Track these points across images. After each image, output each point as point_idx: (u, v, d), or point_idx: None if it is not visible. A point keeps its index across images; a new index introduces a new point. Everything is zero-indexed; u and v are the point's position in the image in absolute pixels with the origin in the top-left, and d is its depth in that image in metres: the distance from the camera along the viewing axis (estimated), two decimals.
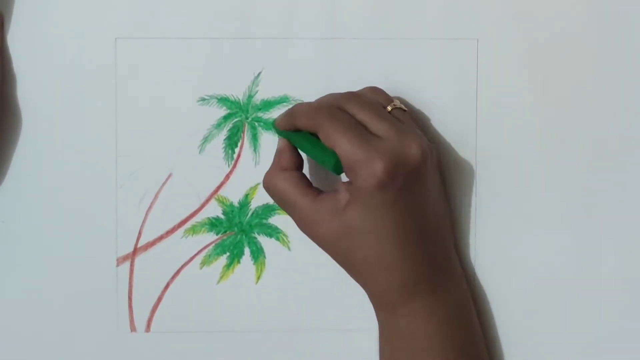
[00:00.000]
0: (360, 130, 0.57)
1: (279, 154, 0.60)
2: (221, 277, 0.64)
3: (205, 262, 0.64)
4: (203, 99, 0.64)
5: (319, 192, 0.59)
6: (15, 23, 0.63)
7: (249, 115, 0.64)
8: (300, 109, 0.60)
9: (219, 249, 0.64)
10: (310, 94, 0.63)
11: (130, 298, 0.64)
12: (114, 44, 0.63)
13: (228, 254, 0.64)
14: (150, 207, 0.64)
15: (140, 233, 0.64)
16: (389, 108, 0.60)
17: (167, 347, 0.64)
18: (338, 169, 0.57)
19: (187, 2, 0.63)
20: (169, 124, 0.63)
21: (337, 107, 0.59)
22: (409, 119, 0.60)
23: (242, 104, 0.64)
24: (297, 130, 0.60)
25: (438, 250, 0.59)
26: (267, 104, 0.64)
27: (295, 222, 0.59)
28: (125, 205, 0.64)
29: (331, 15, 0.63)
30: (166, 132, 0.63)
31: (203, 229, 0.64)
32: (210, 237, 0.64)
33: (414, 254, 0.57)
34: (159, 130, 0.63)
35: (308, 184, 0.59)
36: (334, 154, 0.57)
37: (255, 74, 0.63)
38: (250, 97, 0.64)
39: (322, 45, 0.63)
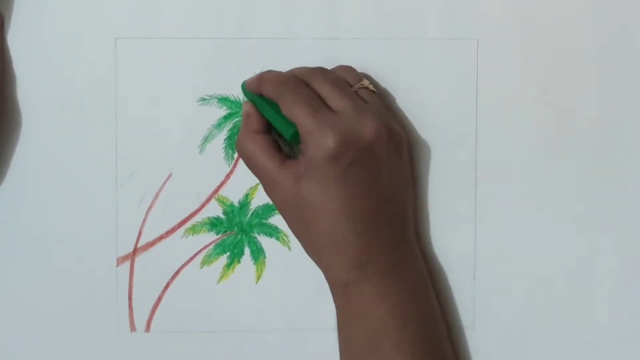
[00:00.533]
0: (318, 104, 0.58)
1: (247, 116, 0.61)
2: (221, 277, 0.64)
3: (206, 262, 0.64)
4: (203, 99, 0.64)
5: (286, 157, 0.59)
6: (15, 23, 0.63)
7: None
8: (268, 76, 0.61)
9: (219, 248, 0.64)
10: None
11: (130, 298, 0.64)
12: (114, 44, 0.63)
13: (228, 253, 0.64)
14: (150, 207, 0.64)
15: (140, 233, 0.64)
16: (357, 87, 0.60)
17: (167, 347, 0.64)
18: (296, 139, 0.58)
19: (187, 2, 0.63)
20: (169, 124, 0.63)
21: (302, 80, 0.60)
22: (375, 100, 0.61)
23: (242, 104, 0.64)
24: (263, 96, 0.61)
25: (393, 232, 0.59)
26: None
27: (262, 185, 0.60)
28: (125, 205, 0.64)
29: (331, 15, 0.63)
30: (166, 132, 0.63)
31: (203, 228, 0.64)
32: (211, 237, 0.64)
33: (363, 231, 0.57)
34: (159, 130, 0.63)
35: (277, 148, 0.60)
36: (293, 124, 0.58)
37: (255, 74, 0.63)
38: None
39: (322, 45, 0.63)
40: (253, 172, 0.60)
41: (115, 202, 0.64)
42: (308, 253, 0.60)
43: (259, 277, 0.64)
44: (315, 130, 0.57)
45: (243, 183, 0.64)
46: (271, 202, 0.63)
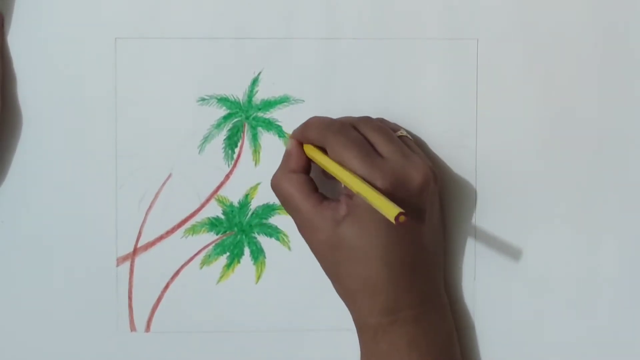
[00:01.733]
0: (367, 148, 0.57)
1: (288, 155, 0.60)
2: (221, 277, 0.64)
3: (205, 262, 0.64)
4: (203, 99, 0.64)
5: (323, 198, 0.59)
6: (15, 23, 0.63)
7: (249, 115, 0.64)
8: (313, 121, 0.60)
9: (219, 248, 0.64)
10: (310, 94, 0.63)
11: (130, 298, 0.64)
12: (114, 44, 0.63)
13: (228, 253, 0.64)
14: (150, 207, 0.64)
15: (140, 233, 0.64)
16: (397, 134, 0.60)
17: (167, 347, 0.64)
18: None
19: (187, 2, 0.63)
20: (169, 124, 0.63)
21: (348, 124, 0.59)
22: (415, 147, 0.61)
23: (242, 104, 0.64)
24: (309, 143, 0.60)
25: (427, 280, 0.59)
26: (267, 104, 0.64)
27: (297, 225, 0.59)
28: (125, 205, 0.64)
29: (331, 15, 0.63)
30: (166, 132, 0.63)
31: (203, 228, 0.64)
32: (210, 237, 0.64)
33: (400, 279, 0.57)
34: (159, 130, 0.63)
35: (314, 188, 0.59)
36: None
37: (255, 74, 0.63)
38: (250, 97, 0.64)
39: (322, 45, 0.63)
40: (287, 211, 0.60)
41: (115, 202, 0.64)
42: (340, 295, 0.59)
43: (258, 277, 0.64)
44: (364, 174, 0.56)
45: (243, 183, 0.64)
46: (271, 202, 0.63)
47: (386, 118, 0.63)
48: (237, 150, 0.64)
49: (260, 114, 0.64)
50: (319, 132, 0.59)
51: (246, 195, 0.64)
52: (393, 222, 0.52)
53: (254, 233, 0.64)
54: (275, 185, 0.60)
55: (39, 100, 0.63)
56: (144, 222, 0.64)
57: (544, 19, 0.63)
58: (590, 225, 0.64)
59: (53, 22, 0.63)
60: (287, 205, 0.59)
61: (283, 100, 0.64)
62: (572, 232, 0.64)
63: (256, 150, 0.64)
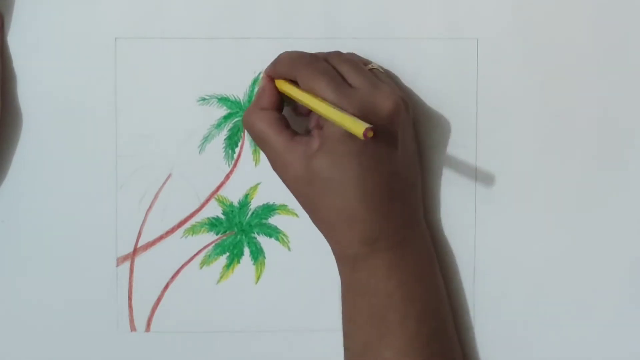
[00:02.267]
0: (337, 79, 0.58)
1: (261, 92, 0.60)
2: (221, 277, 0.64)
3: (205, 262, 0.64)
4: (203, 99, 0.64)
5: (295, 134, 0.59)
6: (15, 23, 0.63)
7: None
8: (284, 55, 0.61)
9: (219, 249, 0.64)
10: None
11: (130, 298, 0.64)
12: (114, 44, 0.63)
13: (228, 254, 0.64)
14: (150, 207, 0.64)
15: (140, 233, 0.64)
16: (368, 67, 0.61)
17: (167, 347, 0.64)
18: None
19: (187, 2, 0.63)
20: (169, 124, 0.63)
21: (319, 57, 0.60)
22: (386, 78, 0.61)
23: (242, 104, 0.64)
24: (282, 78, 0.60)
25: (404, 208, 0.59)
26: None
27: (269, 161, 0.60)
28: (125, 205, 0.64)
29: (331, 15, 0.63)
30: (166, 132, 0.63)
31: (203, 229, 0.64)
32: (210, 237, 0.64)
33: (377, 208, 0.57)
34: (159, 130, 0.63)
35: (286, 124, 0.59)
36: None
37: (255, 74, 0.63)
38: (250, 97, 0.64)
39: (322, 45, 0.63)
40: (260, 148, 0.60)
41: (115, 202, 0.64)
42: (318, 227, 0.59)
43: (258, 277, 0.64)
44: (335, 102, 0.56)
45: (243, 183, 0.64)
46: (271, 202, 0.63)
47: None
48: (237, 150, 0.64)
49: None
50: (290, 64, 0.59)
51: (246, 195, 0.64)
52: (361, 138, 0.52)
53: (253, 233, 0.64)
54: (247, 122, 0.60)
55: (39, 100, 0.63)
56: (144, 222, 0.64)
57: (544, 19, 0.63)
58: (590, 226, 0.64)
59: (53, 22, 0.63)
60: (260, 141, 0.59)
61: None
62: (572, 232, 0.64)
63: (256, 150, 0.64)
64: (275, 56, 0.62)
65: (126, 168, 0.63)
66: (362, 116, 0.55)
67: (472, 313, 0.64)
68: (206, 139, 0.64)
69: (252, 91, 0.63)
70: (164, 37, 0.63)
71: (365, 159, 0.57)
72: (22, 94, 0.63)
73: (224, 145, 0.64)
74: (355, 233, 0.58)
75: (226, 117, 0.64)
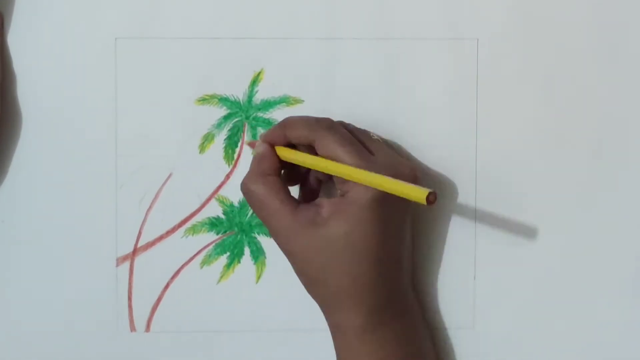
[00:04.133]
0: (358, 145, 0.57)
1: (261, 157, 0.59)
2: (221, 277, 0.64)
3: (206, 262, 0.64)
4: (203, 99, 0.64)
5: (298, 202, 0.58)
6: (15, 23, 0.63)
7: (249, 115, 0.64)
8: (295, 120, 0.59)
9: (219, 248, 0.64)
10: (310, 94, 0.63)
11: (130, 298, 0.64)
12: (114, 44, 0.63)
13: (228, 253, 0.64)
14: (150, 207, 0.64)
15: (140, 233, 0.64)
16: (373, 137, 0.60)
17: (167, 347, 0.64)
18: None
19: (187, 2, 0.63)
20: (169, 124, 0.63)
21: (336, 122, 0.59)
22: (390, 147, 0.61)
23: (242, 104, 0.64)
24: (288, 143, 0.59)
25: (404, 275, 0.59)
26: (267, 104, 0.64)
27: (271, 230, 0.58)
28: (125, 205, 0.64)
29: (331, 15, 0.63)
30: (166, 132, 0.63)
31: (203, 228, 0.64)
32: (211, 236, 0.64)
33: (387, 276, 0.57)
34: (159, 130, 0.63)
35: (288, 191, 0.58)
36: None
37: (255, 74, 0.63)
38: (250, 97, 0.64)
39: (322, 45, 0.63)
40: (261, 216, 0.58)
41: (115, 202, 0.64)
42: (320, 300, 0.58)
43: (259, 277, 0.64)
44: (363, 168, 0.55)
45: None
46: None
47: (386, 118, 0.63)
48: (237, 150, 0.64)
49: (260, 114, 0.64)
50: (307, 129, 0.58)
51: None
52: (425, 204, 0.50)
53: (254, 233, 0.64)
54: (248, 189, 0.58)
55: (39, 100, 0.63)
56: (144, 222, 0.64)
57: (544, 19, 0.63)
58: (591, 225, 0.64)
59: (53, 22, 0.63)
60: (261, 209, 0.58)
61: (283, 100, 0.64)
62: (572, 232, 0.64)
63: None
64: (276, 56, 0.62)
65: (126, 168, 0.63)
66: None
67: (472, 313, 0.64)
68: (206, 139, 0.64)
69: (251, 91, 0.63)
70: (164, 37, 0.63)
71: (383, 225, 0.56)
72: (22, 94, 0.63)
73: (224, 145, 0.64)
74: (364, 302, 0.57)
75: (226, 117, 0.64)
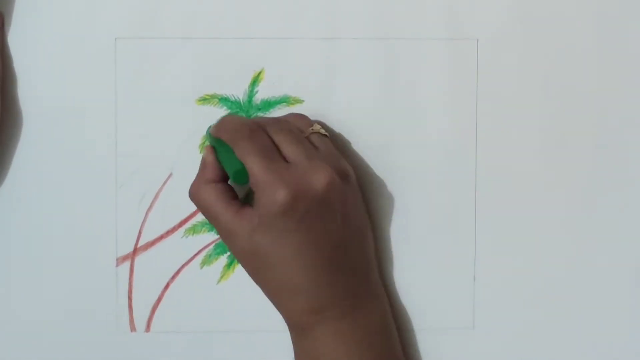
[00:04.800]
0: (272, 154, 0.58)
1: (204, 165, 0.60)
2: (221, 277, 0.64)
3: (206, 262, 0.64)
4: (203, 99, 0.64)
5: (242, 206, 0.59)
6: (15, 23, 0.63)
7: (249, 115, 0.64)
8: (226, 121, 0.60)
9: (220, 248, 0.64)
10: (310, 94, 0.63)
11: (130, 298, 0.64)
12: (114, 44, 0.63)
13: (228, 253, 0.64)
14: (150, 207, 0.64)
15: (140, 233, 0.64)
16: (308, 132, 0.60)
17: (167, 347, 0.64)
18: (239, 178, 0.57)
19: (187, 2, 0.63)
20: (169, 124, 0.63)
21: (258, 127, 0.59)
22: (327, 143, 0.61)
23: (242, 104, 0.64)
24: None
25: (351, 276, 0.59)
26: (267, 104, 0.64)
27: (219, 234, 0.60)
28: (125, 205, 0.64)
29: (331, 15, 0.63)
30: (166, 132, 0.63)
31: (203, 228, 0.64)
32: (211, 236, 0.64)
33: (319, 279, 0.58)
34: (159, 130, 0.63)
35: (232, 196, 0.60)
36: (236, 164, 0.57)
37: (255, 74, 0.63)
38: (250, 97, 0.64)
39: (322, 45, 0.63)
40: (208, 220, 0.60)
41: (115, 202, 0.64)
42: (267, 297, 0.60)
43: None
44: (267, 182, 0.56)
45: None
46: None
47: (385, 118, 0.63)
48: None
49: (260, 114, 0.64)
50: (230, 134, 0.59)
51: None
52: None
53: None
54: (194, 196, 0.60)
55: (39, 100, 0.63)
56: (144, 222, 0.64)
57: (544, 19, 0.63)
58: (591, 226, 0.64)
59: (53, 22, 0.63)
60: (208, 215, 0.59)
61: (283, 100, 0.64)
62: (573, 232, 0.64)
63: None
64: (276, 56, 0.62)
65: (126, 168, 0.63)
66: (295, 194, 0.56)
67: (472, 313, 0.64)
68: (206, 139, 0.64)
69: (251, 91, 0.63)
70: (164, 37, 0.63)
71: (303, 233, 0.57)
72: (22, 94, 0.63)
73: None
74: (300, 304, 0.58)
75: None
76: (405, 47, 0.63)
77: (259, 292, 0.64)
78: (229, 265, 0.64)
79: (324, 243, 0.58)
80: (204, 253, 0.64)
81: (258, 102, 0.64)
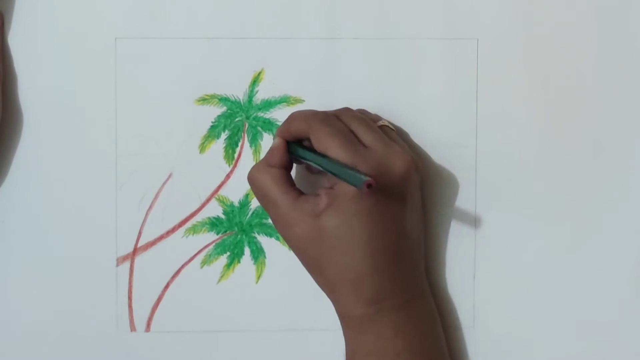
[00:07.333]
0: (350, 138, 0.58)
1: (271, 151, 0.60)
2: (221, 277, 0.64)
3: (206, 262, 0.64)
4: (203, 99, 0.64)
5: (301, 193, 0.59)
6: (15, 23, 0.63)
7: (249, 115, 0.64)
8: (296, 114, 0.60)
9: (220, 248, 0.64)
10: (310, 94, 0.63)
11: (130, 298, 0.64)
12: (114, 44, 0.63)
13: (228, 253, 0.64)
14: (150, 207, 0.64)
15: (140, 233, 0.64)
16: (378, 124, 0.60)
17: (167, 347, 0.64)
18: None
19: (187, 2, 0.63)
20: (169, 123, 0.63)
21: (332, 115, 0.59)
22: (396, 136, 0.61)
23: (242, 104, 0.64)
24: (295, 138, 0.60)
25: (410, 268, 0.59)
26: (267, 104, 0.64)
27: (272, 219, 0.59)
28: (125, 205, 0.64)
29: (331, 15, 0.63)
30: (166, 132, 0.63)
31: (203, 228, 0.64)
32: (211, 236, 0.64)
33: (384, 268, 0.57)
34: (159, 130, 0.63)
35: (291, 183, 0.59)
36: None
37: (256, 74, 0.63)
38: (250, 97, 0.64)
39: (322, 45, 0.63)
40: (263, 204, 0.59)
41: (115, 202, 0.64)
42: (322, 288, 0.59)
43: (259, 277, 0.64)
44: (350, 162, 0.56)
45: (243, 183, 0.64)
46: None
47: (386, 118, 0.63)
48: (237, 150, 0.64)
49: (260, 114, 0.64)
50: (304, 122, 0.59)
51: (246, 195, 0.64)
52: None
53: (254, 233, 0.64)
54: (253, 178, 0.59)
55: (39, 100, 0.63)
56: (144, 222, 0.64)
57: (544, 19, 0.63)
58: (590, 225, 0.64)
59: (53, 22, 0.63)
60: (264, 198, 0.59)
61: (283, 100, 0.64)
62: (572, 232, 0.64)
63: (256, 150, 0.64)
64: (276, 56, 0.62)
65: (126, 168, 0.64)
66: (376, 175, 0.55)
67: (472, 313, 0.64)
68: (206, 138, 0.64)
69: (251, 91, 0.64)
70: (164, 37, 0.63)
71: (375, 218, 0.56)
72: (23, 93, 0.63)
73: (224, 145, 0.64)
74: (361, 293, 0.57)
75: (226, 117, 0.64)
76: (406, 46, 0.63)
77: (259, 292, 0.64)
78: (229, 265, 0.64)
79: (393, 229, 0.57)
80: (204, 253, 0.64)
81: (258, 102, 0.64)
